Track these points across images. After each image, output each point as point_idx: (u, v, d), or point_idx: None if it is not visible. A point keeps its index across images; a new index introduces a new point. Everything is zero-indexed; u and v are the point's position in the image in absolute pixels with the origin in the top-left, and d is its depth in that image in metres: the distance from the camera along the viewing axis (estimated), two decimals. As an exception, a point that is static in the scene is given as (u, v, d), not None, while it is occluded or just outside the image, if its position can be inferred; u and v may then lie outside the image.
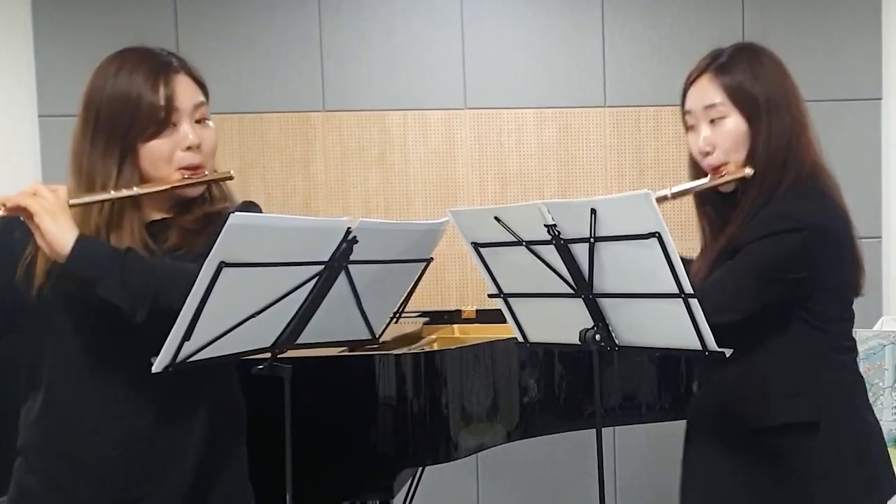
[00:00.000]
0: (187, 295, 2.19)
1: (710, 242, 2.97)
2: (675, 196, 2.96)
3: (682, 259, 2.93)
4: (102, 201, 2.45)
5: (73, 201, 2.36)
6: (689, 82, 2.94)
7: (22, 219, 2.34)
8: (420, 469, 4.45)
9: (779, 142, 2.81)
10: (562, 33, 6.69)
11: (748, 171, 2.81)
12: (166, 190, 2.53)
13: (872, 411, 2.97)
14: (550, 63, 6.71)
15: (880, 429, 2.98)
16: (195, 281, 2.21)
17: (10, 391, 2.70)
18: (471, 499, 6.83)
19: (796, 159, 2.83)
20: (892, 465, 2.96)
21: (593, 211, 2.43)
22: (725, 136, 2.84)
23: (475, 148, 6.71)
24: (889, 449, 4.61)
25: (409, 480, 4.64)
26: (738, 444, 2.90)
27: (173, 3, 6.61)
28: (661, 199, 2.88)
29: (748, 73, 2.85)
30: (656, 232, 2.37)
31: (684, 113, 2.96)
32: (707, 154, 2.88)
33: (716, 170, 2.88)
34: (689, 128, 2.96)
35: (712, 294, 2.70)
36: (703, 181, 2.92)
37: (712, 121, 2.86)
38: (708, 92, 2.87)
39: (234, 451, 2.74)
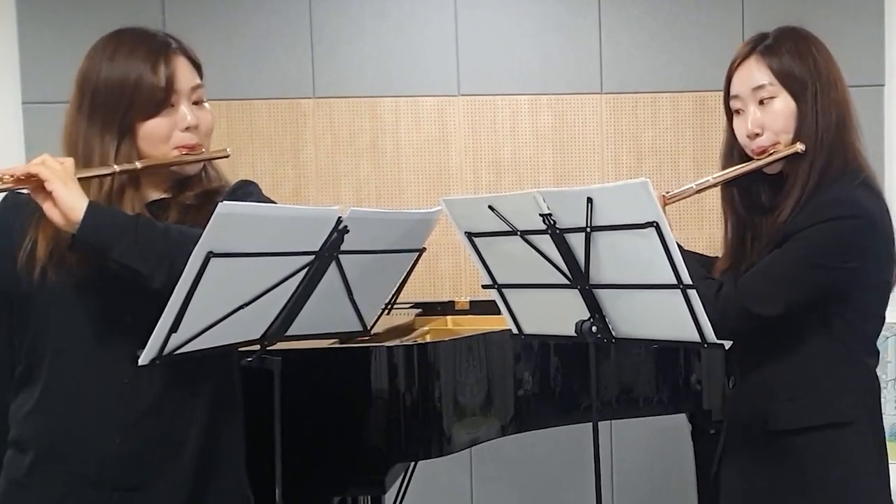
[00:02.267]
0: None
1: (738, 228, 2.96)
2: (718, 183, 2.97)
3: (705, 256, 2.96)
4: (106, 175, 2.47)
5: (78, 174, 2.37)
6: (735, 66, 2.94)
7: (27, 192, 2.35)
8: (412, 464, 4.45)
9: (826, 121, 2.82)
10: (557, 18, 6.69)
11: (800, 146, 2.81)
12: (166, 165, 2.56)
13: (881, 411, 2.98)
14: (546, 48, 6.71)
15: (884, 427, 2.99)
16: None
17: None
18: (464, 495, 6.84)
19: (843, 142, 2.85)
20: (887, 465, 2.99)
21: (590, 200, 2.44)
22: (775, 115, 2.85)
23: (469, 135, 6.71)
24: (890, 444, 4.64)
25: (402, 475, 4.64)
26: (774, 443, 2.91)
27: (160, -13, 6.61)
28: (703, 188, 2.93)
29: (795, 54, 2.87)
30: (654, 221, 2.37)
31: (729, 98, 2.96)
32: (757, 136, 2.88)
33: (763, 151, 2.88)
34: (734, 112, 2.96)
35: (755, 283, 2.73)
36: (750, 164, 2.90)
37: (761, 102, 2.87)
38: (755, 73, 2.88)
39: (233, 439, 2.75)
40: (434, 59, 6.70)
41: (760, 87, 2.86)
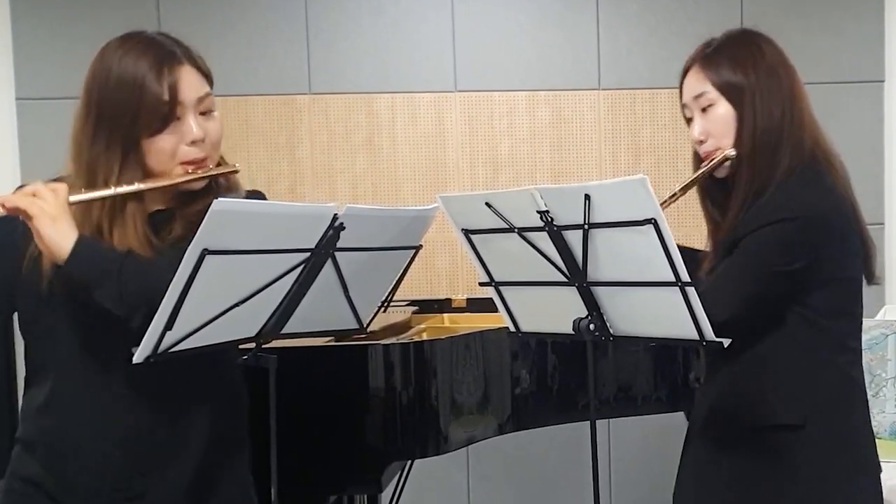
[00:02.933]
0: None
1: (713, 231, 3.00)
2: (683, 191, 3.03)
3: (695, 251, 2.98)
4: (104, 198, 2.45)
5: (73, 199, 2.38)
6: (682, 75, 3.02)
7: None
8: (409, 462, 4.46)
9: (767, 124, 2.85)
10: (555, 14, 6.70)
11: (731, 151, 2.88)
12: (168, 187, 2.55)
13: (865, 415, 2.97)
14: (543, 44, 6.71)
15: (870, 434, 2.98)
16: None
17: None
18: (461, 493, 6.85)
19: (791, 143, 2.86)
20: (879, 474, 2.97)
21: (587, 197, 2.44)
22: (715, 122, 2.91)
23: (465, 132, 6.71)
24: (890, 442, 4.63)
25: (398, 474, 4.64)
26: (729, 441, 2.93)
27: (154, -18, 6.61)
28: (671, 199, 2.99)
29: (733, 61, 2.91)
30: (652, 218, 2.37)
31: (682, 107, 3.03)
32: (702, 142, 2.94)
33: (708, 157, 2.93)
34: (688, 120, 3.02)
35: (716, 294, 2.73)
36: (697, 173, 2.98)
37: (703, 109, 2.93)
38: (696, 82, 2.95)
39: (236, 445, 2.75)
40: (431, 55, 6.70)
41: (700, 95, 2.93)
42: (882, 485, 4.00)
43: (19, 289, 2.56)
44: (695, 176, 2.98)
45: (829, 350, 2.88)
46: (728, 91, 2.88)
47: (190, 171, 2.55)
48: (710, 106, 2.90)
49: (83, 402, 2.55)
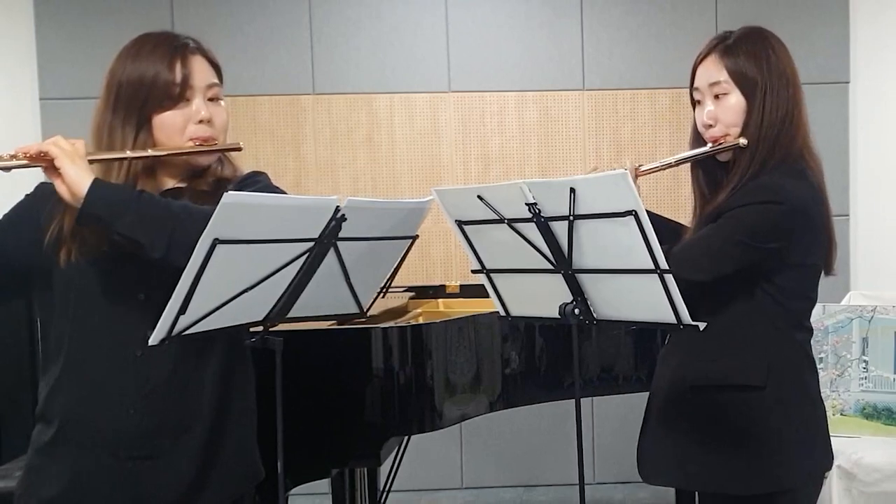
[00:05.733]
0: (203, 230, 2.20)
1: (701, 206, 3.01)
2: (679, 163, 3.09)
3: (679, 224, 3.00)
4: (118, 159, 2.47)
5: (90, 157, 2.39)
6: (698, 61, 3.02)
7: (44, 173, 2.37)
8: (406, 438, 4.46)
9: (771, 119, 2.87)
10: (542, 19, 6.71)
11: (742, 140, 2.88)
12: (176, 154, 2.55)
13: (817, 387, 3.00)
14: (531, 48, 6.73)
15: (823, 408, 3.00)
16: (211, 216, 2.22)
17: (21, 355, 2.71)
18: (455, 466, 6.86)
19: (787, 138, 2.89)
20: (830, 444, 2.99)
21: (572, 190, 2.44)
22: (727, 110, 2.92)
23: (459, 129, 6.73)
24: (856, 418, 4.63)
25: (396, 449, 4.65)
26: (689, 398, 2.95)
27: (168, -10, 6.61)
28: (664, 166, 3.09)
29: (750, 56, 2.92)
30: (633, 210, 2.37)
31: (692, 89, 3.03)
32: (710, 126, 2.95)
33: (715, 141, 2.95)
34: (696, 103, 3.04)
35: (692, 251, 2.79)
36: (702, 149, 2.99)
37: (716, 97, 2.94)
38: (713, 70, 2.94)
39: (244, 412, 2.74)
40: (426, 57, 6.71)
41: (716, 83, 2.93)
42: (847, 458, 4.01)
43: (39, 268, 2.56)
44: (697, 153, 3.01)
45: (789, 326, 2.91)
46: (742, 82, 2.89)
47: (198, 144, 2.57)
48: (723, 94, 2.92)
49: (99, 371, 2.54)
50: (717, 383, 2.89)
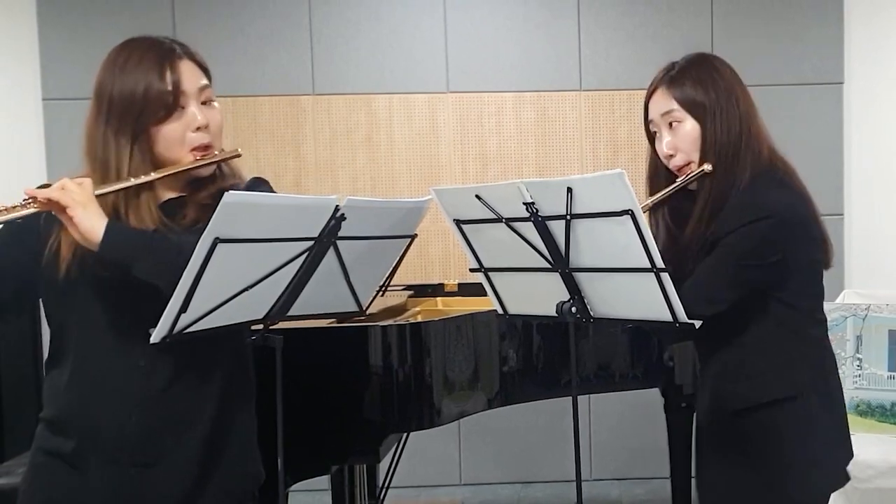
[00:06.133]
0: None
1: (671, 241, 2.98)
2: (655, 205, 3.00)
3: None
4: (124, 188, 2.45)
5: (98, 192, 2.38)
6: (648, 97, 3.02)
7: (53, 213, 2.36)
8: (405, 435, 4.46)
9: (727, 137, 2.86)
10: (540, 20, 6.71)
11: (707, 166, 2.87)
12: (180, 173, 2.54)
13: (838, 377, 3.01)
14: (529, 49, 6.73)
15: (842, 400, 3.01)
16: None
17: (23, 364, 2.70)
18: (453, 463, 6.86)
19: (749, 150, 2.88)
20: (850, 441, 3.00)
21: (569, 189, 2.44)
22: (683, 137, 2.91)
23: (457, 130, 6.73)
24: (851, 415, 4.65)
25: (395, 445, 4.65)
26: (735, 423, 2.92)
27: (170, -7, 6.62)
28: (644, 208, 2.91)
29: (696, 82, 2.92)
30: (629, 209, 2.38)
31: (647, 123, 3.02)
32: (671, 157, 2.94)
33: (680, 170, 2.94)
34: (652, 136, 3.02)
35: (697, 290, 2.74)
36: (676, 183, 2.95)
37: (671, 125, 2.93)
38: (663, 102, 2.94)
39: (245, 419, 2.74)
40: (425, 58, 6.72)
41: (668, 112, 2.93)
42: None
43: (40, 279, 2.56)
44: (672, 188, 2.95)
45: (805, 325, 2.90)
46: (692, 108, 2.89)
47: (198, 157, 2.56)
48: (677, 123, 2.91)
49: (103, 378, 2.54)
50: (754, 403, 2.87)
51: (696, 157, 2.90)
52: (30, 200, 2.35)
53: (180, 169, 2.53)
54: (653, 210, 3.01)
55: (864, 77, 6.74)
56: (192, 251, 2.30)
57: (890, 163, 6.64)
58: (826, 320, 3.01)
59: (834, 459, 2.92)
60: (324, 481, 3.85)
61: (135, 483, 2.56)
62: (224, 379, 2.64)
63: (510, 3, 6.73)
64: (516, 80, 6.74)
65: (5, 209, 2.34)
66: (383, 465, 4.74)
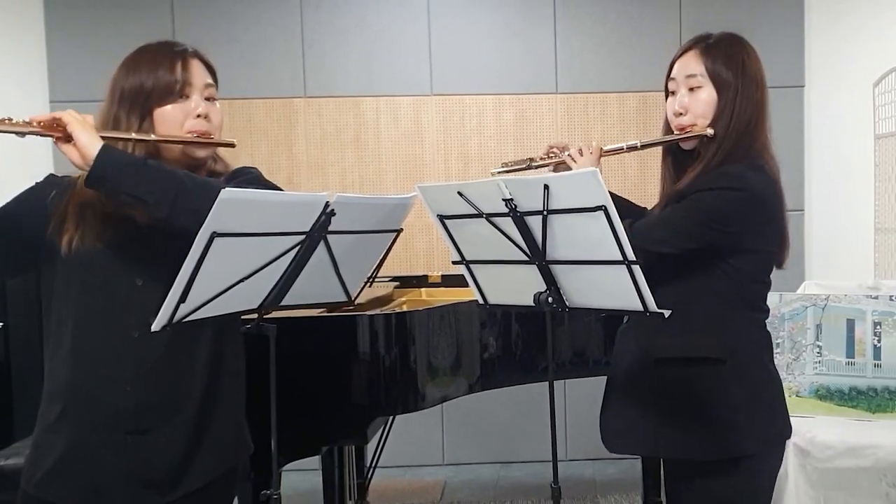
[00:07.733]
0: (206, 197, 2.20)
1: (668, 188, 3.01)
2: (644, 147, 3.15)
3: (638, 207, 3.01)
4: (123, 139, 2.48)
5: (98, 133, 2.39)
6: (678, 55, 3.02)
7: (55, 144, 2.40)
8: (391, 418, 4.47)
9: (740, 118, 2.88)
10: (518, 27, 6.72)
11: (709, 130, 2.89)
12: (177, 142, 2.56)
13: (774, 365, 2.99)
14: (508, 54, 6.74)
15: (780, 382, 3.00)
16: (215, 186, 2.25)
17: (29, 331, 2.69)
18: (436, 445, 6.87)
19: (752, 135, 2.89)
20: (787, 415, 2.99)
21: (546, 187, 2.44)
22: (698, 102, 2.93)
23: (440, 130, 6.73)
24: (810, 399, 4.64)
25: (382, 428, 4.65)
26: (653, 371, 2.94)
27: (171, 1, 6.60)
28: (630, 149, 3.17)
29: (727, 57, 2.93)
30: (603, 205, 2.37)
31: (668, 80, 3.04)
32: (680, 115, 2.96)
33: (682, 129, 2.96)
34: (669, 93, 3.04)
35: (658, 227, 2.81)
36: (670, 136, 3.01)
37: (691, 89, 2.94)
38: (692, 64, 2.95)
39: (233, 386, 2.74)
40: (410, 63, 6.72)
41: (692, 75, 2.93)
42: (802, 437, 4.00)
43: (44, 249, 2.56)
44: (665, 140, 3.03)
45: (747, 306, 2.91)
46: (716, 80, 2.90)
47: (196, 136, 2.58)
48: (697, 87, 2.92)
49: (99, 349, 2.54)
50: (681, 356, 2.88)
51: (701, 122, 2.92)
52: (33, 122, 2.39)
53: (179, 140, 2.56)
54: (663, 158, 3.11)
55: (824, 81, 6.75)
56: (186, 176, 2.37)
57: (848, 161, 6.65)
58: (768, 311, 3.01)
59: (751, 426, 2.87)
60: (315, 461, 3.84)
61: (130, 449, 2.57)
62: (213, 354, 2.65)
63: (490, 11, 6.74)
64: (496, 83, 6.74)
65: (7, 120, 2.36)
66: (371, 446, 4.75)
